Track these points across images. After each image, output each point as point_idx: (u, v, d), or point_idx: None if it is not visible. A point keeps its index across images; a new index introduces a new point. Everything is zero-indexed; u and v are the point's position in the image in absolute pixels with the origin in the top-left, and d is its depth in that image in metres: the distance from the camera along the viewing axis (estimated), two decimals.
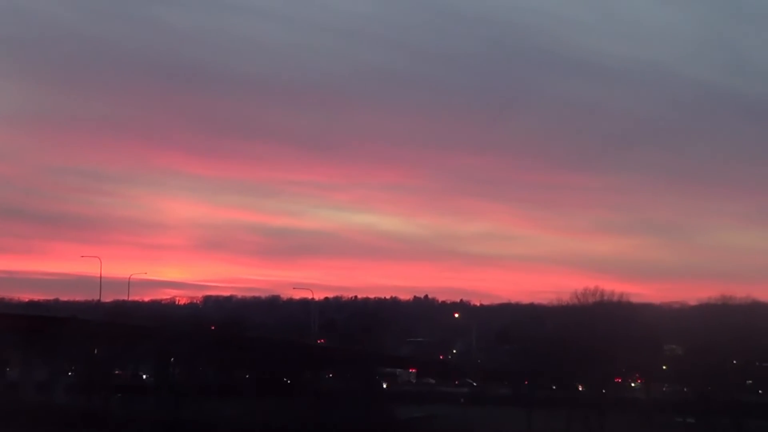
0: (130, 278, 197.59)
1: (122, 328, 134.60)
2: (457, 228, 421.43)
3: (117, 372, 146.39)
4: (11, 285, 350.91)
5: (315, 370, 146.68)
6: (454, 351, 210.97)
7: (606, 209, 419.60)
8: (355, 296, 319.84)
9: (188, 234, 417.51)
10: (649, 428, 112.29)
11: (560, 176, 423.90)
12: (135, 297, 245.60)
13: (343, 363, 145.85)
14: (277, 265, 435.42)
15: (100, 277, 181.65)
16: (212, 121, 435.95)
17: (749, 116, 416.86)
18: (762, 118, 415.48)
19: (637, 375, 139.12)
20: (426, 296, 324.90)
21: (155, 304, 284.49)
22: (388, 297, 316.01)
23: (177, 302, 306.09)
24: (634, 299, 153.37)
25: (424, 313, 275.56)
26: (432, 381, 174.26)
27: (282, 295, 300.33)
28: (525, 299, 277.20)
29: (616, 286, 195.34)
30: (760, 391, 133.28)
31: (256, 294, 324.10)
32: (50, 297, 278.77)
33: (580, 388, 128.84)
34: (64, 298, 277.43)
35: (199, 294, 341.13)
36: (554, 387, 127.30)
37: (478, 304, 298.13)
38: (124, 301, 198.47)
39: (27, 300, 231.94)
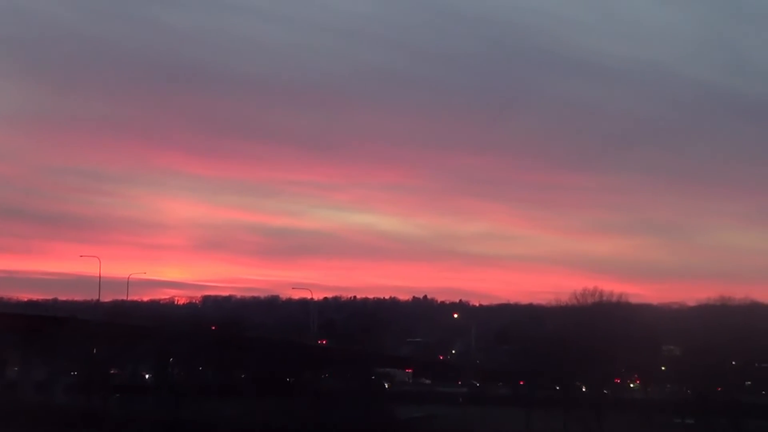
0: (129, 278, 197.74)
1: (121, 328, 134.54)
2: (457, 228, 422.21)
3: (115, 371, 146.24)
4: (10, 285, 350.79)
5: (315, 370, 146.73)
6: (453, 351, 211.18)
7: (605, 209, 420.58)
8: (354, 296, 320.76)
9: (188, 234, 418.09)
10: (648, 429, 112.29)
11: (560, 176, 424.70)
12: (134, 297, 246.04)
13: (342, 363, 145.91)
14: (276, 265, 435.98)
15: (99, 277, 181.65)
16: (212, 121, 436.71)
17: (749, 116, 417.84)
18: (762, 118, 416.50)
19: (635, 375, 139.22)
20: (425, 296, 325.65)
21: (154, 304, 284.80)
22: (387, 297, 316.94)
23: (176, 302, 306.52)
24: (633, 300, 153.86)
25: (423, 313, 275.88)
26: (427, 381, 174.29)
27: (281, 295, 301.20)
28: (524, 299, 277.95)
29: (615, 287, 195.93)
30: (763, 392, 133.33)
31: (256, 294, 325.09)
32: (49, 297, 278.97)
33: (580, 389, 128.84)
34: (63, 297, 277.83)
35: (198, 294, 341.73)
36: (557, 387, 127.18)
37: (478, 305, 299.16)
38: (123, 301, 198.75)
39: (26, 300, 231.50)
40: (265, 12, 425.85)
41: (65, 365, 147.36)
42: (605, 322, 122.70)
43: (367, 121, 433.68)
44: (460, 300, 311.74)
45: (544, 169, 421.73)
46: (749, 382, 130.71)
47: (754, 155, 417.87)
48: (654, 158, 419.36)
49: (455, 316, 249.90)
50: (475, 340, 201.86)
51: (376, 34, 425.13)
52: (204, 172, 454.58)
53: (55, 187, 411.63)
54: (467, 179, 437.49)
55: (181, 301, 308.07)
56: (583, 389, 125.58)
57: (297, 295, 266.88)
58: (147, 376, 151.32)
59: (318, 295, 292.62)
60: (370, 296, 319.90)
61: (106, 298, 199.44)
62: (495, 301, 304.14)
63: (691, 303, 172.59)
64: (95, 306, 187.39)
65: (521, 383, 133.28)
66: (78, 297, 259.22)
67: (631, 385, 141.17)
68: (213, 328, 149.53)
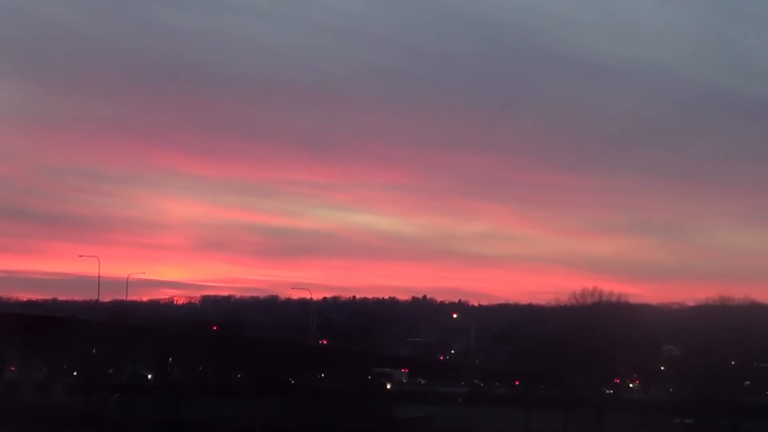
0: (128, 278, 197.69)
1: (121, 328, 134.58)
2: (456, 228, 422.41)
3: (113, 371, 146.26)
4: (10, 284, 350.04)
5: (314, 370, 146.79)
6: (453, 351, 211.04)
7: (605, 209, 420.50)
8: (354, 296, 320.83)
9: (187, 234, 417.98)
10: (648, 428, 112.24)
11: (560, 176, 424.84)
12: (133, 297, 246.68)
13: (342, 363, 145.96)
14: (275, 265, 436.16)
15: (99, 277, 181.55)
16: (212, 121, 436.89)
17: (749, 116, 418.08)
18: (762, 118, 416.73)
19: (635, 375, 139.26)
20: (424, 296, 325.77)
21: (154, 304, 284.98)
22: (386, 297, 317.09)
23: (175, 302, 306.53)
24: (633, 300, 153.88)
25: (422, 313, 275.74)
26: (422, 381, 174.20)
27: (280, 295, 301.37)
28: (523, 299, 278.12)
29: (614, 287, 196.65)
30: (760, 389, 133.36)
31: (255, 294, 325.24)
32: (49, 297, 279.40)
33: (580, 389, 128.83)
34: (62, 297, 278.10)
35: (198, 294, 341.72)
36: (556, 387, 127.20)
37: (477, 305, 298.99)
38: (122, 300, 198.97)
39: (25, 299, 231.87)
40: (265, 12, 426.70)
41: (65, 365, 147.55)
42: (605, 322, 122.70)
43: (367, 121, 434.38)
44: (460, 300, 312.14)
45: (544, 169, 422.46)
46: (748, 382, 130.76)
47: (754, 155, 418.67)
48: (654, 158, 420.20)
49: (454, 316, 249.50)
50: (474, 340, 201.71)
51: (376, 34, 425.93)
52: (204, 172, 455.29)
53: (54, 187, 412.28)
54: (467, 179, 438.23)
55: (181, 301, 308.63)
56: (583, 389, 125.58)
57: (296, 295, 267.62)
58: (148, 377, 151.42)
59: (317, 295, 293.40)
60: (370, 296, 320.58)
61: (106, 298, 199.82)
62: (494, 301, 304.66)
63: (691, 303, 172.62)
64: (95, 306, 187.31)
65: (521, 383, 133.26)
66: (77, 297, 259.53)
67: (631, 385, 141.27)
68: (214, 328, 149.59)
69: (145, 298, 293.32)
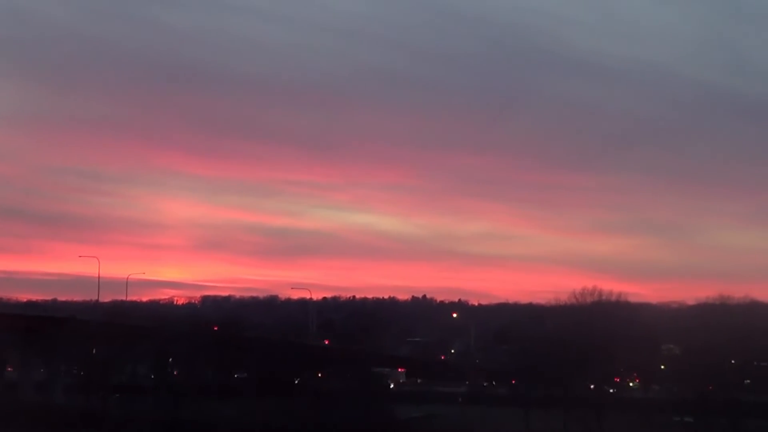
0: (128, 278, 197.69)
1: (121, 328, 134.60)
2: (456, 228, 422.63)
3: (113, 371, 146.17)
4: (10, 285, 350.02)
5: (314, 370, 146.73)
6: (453, 351, 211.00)
7: (605, 209, 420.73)
8: (354, 296, 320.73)
9: (187, 234, 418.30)
10: (648, 428, 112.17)
11: (560, 176, 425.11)
12: (133, 297, 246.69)
13: (342, 363, 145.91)
14: (275, 265, 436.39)
15: (98, 277, 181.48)
16: (212, 121, 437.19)
17: (749, 116, 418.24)
18: (762, 118, 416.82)
19: (635, 375, 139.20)
20: (424, 296, 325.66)
21: (153, 304, 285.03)
22: (386, 297, 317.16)
23: (175, 302, 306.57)
24: (633, 299, 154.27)
25: (422, 313, 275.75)
26: (419, 380, 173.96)
27: (280, 295, 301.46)
28: (523, 299, 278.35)
29: (614, 286, 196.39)
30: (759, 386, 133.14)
31: (255, 294, 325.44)
32: (48, 297, 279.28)
33: (579, 388, 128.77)
34: (62, 298, 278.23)
35: (198, 294, 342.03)
36: (556, 387, 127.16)
37: (477, 304, 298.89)
38: (122, 301, 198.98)
39: (25, 300, 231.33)
40: (265, 12, 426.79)
41: (65, 365, 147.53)
42: (605, 321, 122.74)
43: (367, 121, 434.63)
44: (460, 300, 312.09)
45: (544, 169, 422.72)
46: (748, 381, 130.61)
47: (754, 155, 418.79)
48: (654, 158, 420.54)
49: (454, 315, 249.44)
50: (474, 340, 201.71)
51: (376, 34, 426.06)
52: (204, 172, 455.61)
53: (54, 187, 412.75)
54: (467, 179, 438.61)
55: (181, 302, 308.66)
56: (583, 389, 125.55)
57: (296, 295, 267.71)
58: (149, 377, 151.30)
59: (317, 295, 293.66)
60: (370, 296, 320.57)
61: (106, 298, 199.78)
62: (494, 301, 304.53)
63: (691, 302, 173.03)
64: (94, 306, 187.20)
65: (520, 383, 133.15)
66: (77, 297, 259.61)
67: (631, 385, 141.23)
68: (214, 328, 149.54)
69: (144, 299, 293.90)
